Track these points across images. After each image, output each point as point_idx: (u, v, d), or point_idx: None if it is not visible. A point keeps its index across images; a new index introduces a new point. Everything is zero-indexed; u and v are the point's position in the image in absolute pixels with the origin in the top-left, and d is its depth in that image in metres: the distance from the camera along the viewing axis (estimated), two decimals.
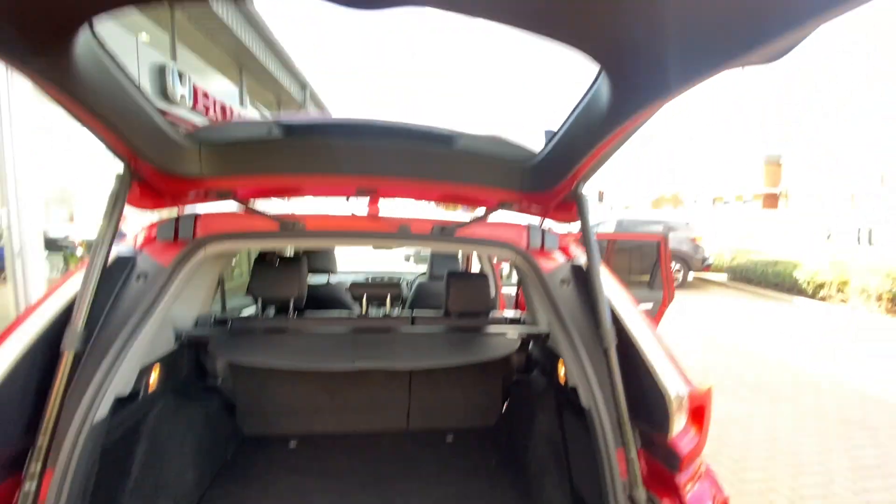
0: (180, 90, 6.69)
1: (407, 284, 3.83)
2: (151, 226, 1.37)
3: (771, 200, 33.99)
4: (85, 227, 8.42)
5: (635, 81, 0.84)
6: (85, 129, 0.98)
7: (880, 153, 25.85)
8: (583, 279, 1.40)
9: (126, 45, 5.87)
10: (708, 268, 10.53)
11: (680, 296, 9.14)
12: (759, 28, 0.61)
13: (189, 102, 7.01)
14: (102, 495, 1.24)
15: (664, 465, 1.19)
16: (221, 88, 8.99)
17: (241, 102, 9.66)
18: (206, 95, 7.47)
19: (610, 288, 1.34)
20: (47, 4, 0.67)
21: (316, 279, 3.21)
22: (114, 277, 1.23)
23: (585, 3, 0.67)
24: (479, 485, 1.83)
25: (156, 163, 1.10)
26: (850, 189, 28.06)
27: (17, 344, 1.07)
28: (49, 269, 5.90)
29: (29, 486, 0.97)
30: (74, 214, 8.81)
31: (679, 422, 1.16)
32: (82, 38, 0.80)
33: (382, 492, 1.77)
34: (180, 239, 1.33)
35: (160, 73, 6.36)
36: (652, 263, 3.65)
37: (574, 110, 1.08)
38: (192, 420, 1.73)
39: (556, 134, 1.19)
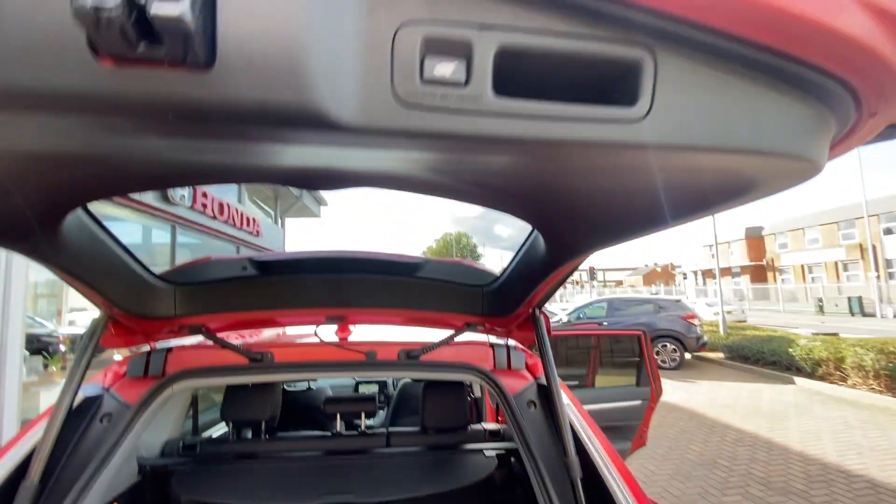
0: (180, 191, 7.05)
1: (392, 383, 3.75)
2: (122, 362, 1.39)
3: (758, 273, 34.64)
4: (71, 321, 8.28)
5: (563, 240, 0.95)
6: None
7: (862, 220, 26.87)
8: (551, 400, 1.42)
9: None
10: (704, 347, 10.36)
11: (678, 378, 8.94)
12: (657, 215, 0.71)
13: (188, 202, 7.35)
14: None
15: None
16: (221, 186, 9.47)
17: (240, 200, 10.11)
18: (204, 195, 7.85)
19: (574, 412, 1.35)
20: (37, 196, 0.75)
21: (297, 385, 3.14)
22: (77, 420, 1.22)
23: (516, 186, 0.79)
24: None
25: (131, 310, 1.16)
26: (836, 257, 28.81)
27: None
28: (26, 372, 5.71)
29: None
30: (62, 309, 8.72)
31: None
32: (72, 216, 0.89)
33: None
34: (150, 375, 1.35)
35: None
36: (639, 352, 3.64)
37: (519, 251, 1.19)
38: None
39: (507, 267, 1.29)
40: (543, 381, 1.50)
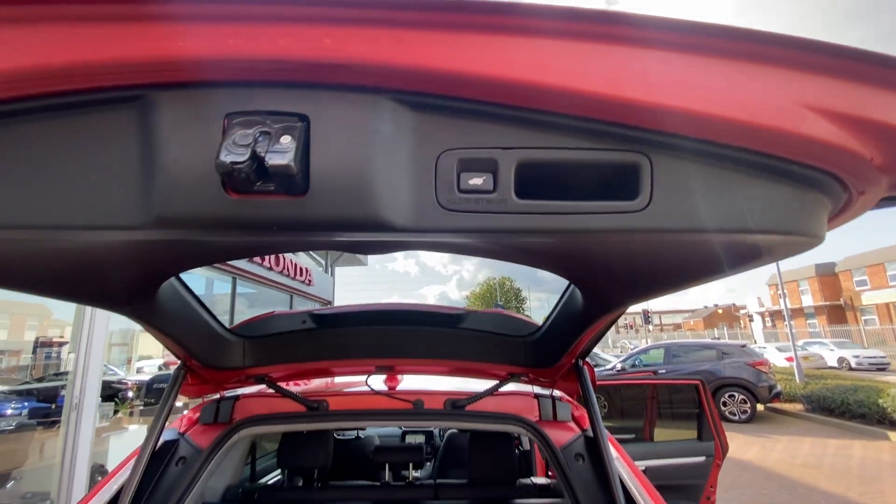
0: None
1: (439, 434, 3.71)
2: (195, 408, 1.53)
3: (836, 314, 31.43)
4: (139, 369, 8.86)
5: (598, 294, 1.00)
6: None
7: None
8: (599, 454, 1.39)
9: None
10: (778, 398, 9.40)
11: (750, 432, 8.12)
12: (678, 276, 0.75)
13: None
14: None
15: None
16: None
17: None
18: None
19: (624, 467, 1.32)
20: (145, 269, 0.91)
21: (346, 434, 3.20)
22: (157, 463, 1.35)
23: (547, 251, 0.86)
24: None
25: (207, 362, 1.31)
26: None
27: None
28: (98, 418, 6.13)
29: None
30: (132, 357, 9.40)
31: None
32: (167, 283, 1.05)
33: None
34: (219, 422, 1.47)
35: None
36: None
37: (559, 303, 1.23)
38: None
39: (548, 318, 1.33)
40: (590, 432, 1.48)
